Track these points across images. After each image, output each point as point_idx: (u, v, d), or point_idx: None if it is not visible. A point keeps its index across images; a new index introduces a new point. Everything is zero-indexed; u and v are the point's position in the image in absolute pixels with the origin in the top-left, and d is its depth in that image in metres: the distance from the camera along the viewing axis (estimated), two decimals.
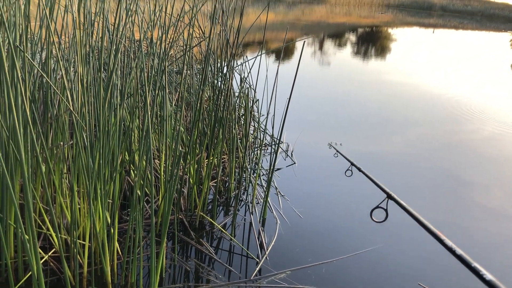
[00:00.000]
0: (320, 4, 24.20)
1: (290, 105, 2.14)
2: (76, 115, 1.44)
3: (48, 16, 1.50)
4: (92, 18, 1.80)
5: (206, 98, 2.77)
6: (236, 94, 3.01)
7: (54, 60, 1.89)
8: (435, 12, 37.36)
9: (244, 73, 3.17)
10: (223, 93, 2.30)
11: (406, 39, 16.49)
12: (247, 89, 3.17)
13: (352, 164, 2.08)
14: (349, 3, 30.24)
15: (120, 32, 1.75)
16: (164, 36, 2.05)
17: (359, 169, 1.93)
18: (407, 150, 3.81)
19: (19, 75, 1.19)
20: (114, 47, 1.71)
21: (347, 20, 19.62)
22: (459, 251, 1.01)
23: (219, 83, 2.46)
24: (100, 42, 1.70)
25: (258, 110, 3.81)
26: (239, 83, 3.15)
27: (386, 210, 1.43)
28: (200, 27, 2.98)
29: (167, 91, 1.91)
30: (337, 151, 2.48)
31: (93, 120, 1.55)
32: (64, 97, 1.62)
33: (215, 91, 2.38)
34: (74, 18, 1.57)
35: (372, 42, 13.82)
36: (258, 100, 3.57)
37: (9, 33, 1.24)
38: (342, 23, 17.87)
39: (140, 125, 2.11)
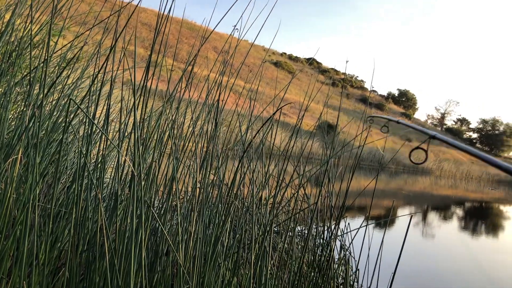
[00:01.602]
0: (424, 175, 23.92)
1: (395, 278, 2.02)
2: (183, 268, 1.50)
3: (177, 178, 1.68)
4: (211, 178, 1.97)
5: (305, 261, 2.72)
6: (336, 259, 2.93)
7: (171, 213, 2.04)
8: None
9: (345, 240, 3.10)
10: (324, 260, 2.25)
11: None
12: (348, 257, 3.07)
13: (389, 119, 1.94)
14: (455, 176, 29.53)
15: (234, 193, 1.88)
16: (271, 200, 2.15)
17: (398, 122, 1.83)
18: None
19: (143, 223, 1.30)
20: (226, 206, 1.82)
21: (453, 193, 18.93)
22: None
23: (319, 249, 2.43)
24: (216, 202, 1.83)
25: (357, 280, 3.62)
26: (339, 249, 3.08)
27: (426, 151, 1.40)
28: (305, 190, 3.08)
29: (269, 253, 1.94)
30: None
31: (197, 275, 1.59)
32: (175, 248, 1.71)
33: (316, 256, 2.35)
34: (195, 179, 1.73)
35: (482, 218, 12.99)
36: (358, 270, 3.41)
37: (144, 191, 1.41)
38: (447, 196, 17.26)
39: (238, 285, 2.10)
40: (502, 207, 17.15)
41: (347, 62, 2.74)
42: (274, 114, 1.97)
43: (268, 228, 1.80)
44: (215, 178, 2.07)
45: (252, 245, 1.57)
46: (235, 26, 1.95)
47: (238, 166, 1.89)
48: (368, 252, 2.63)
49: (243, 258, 2.15)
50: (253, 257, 1.69)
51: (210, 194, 2.05)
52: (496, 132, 53.14)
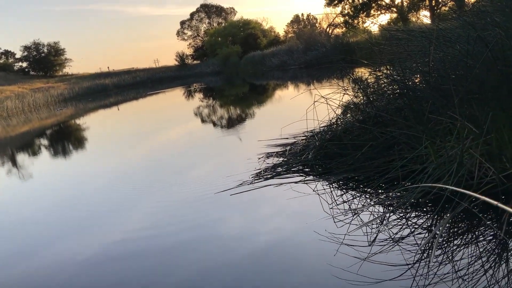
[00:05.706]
0: None
1: None
2: None
3: None
4: None
5: None
6: None
7: None
8: (111, 91, 39.33)
9: None
10: None
11: (97, 123, 16.85)
12: None
13: None
14: (23, 110, 28.70)
15: None
16: None
17: None
18: None
19: None
20: None
21: (31, 127, 18.61)
22: None
23: None
24: None
25: None
26: None
27: None
28: None
29: None
30: None
31: None
32: None
33: None
34: None
35: (66, 137, 13.59)
36: None
37: None
38: (27, 132, 16.86)
39: None
40: (78, 121, 18.28)
41: None
42: None
43: None
44: None
45: None
46: None
47: None
48: None
49: None
50: None
51: None
52: (43, 55, 52.88)
